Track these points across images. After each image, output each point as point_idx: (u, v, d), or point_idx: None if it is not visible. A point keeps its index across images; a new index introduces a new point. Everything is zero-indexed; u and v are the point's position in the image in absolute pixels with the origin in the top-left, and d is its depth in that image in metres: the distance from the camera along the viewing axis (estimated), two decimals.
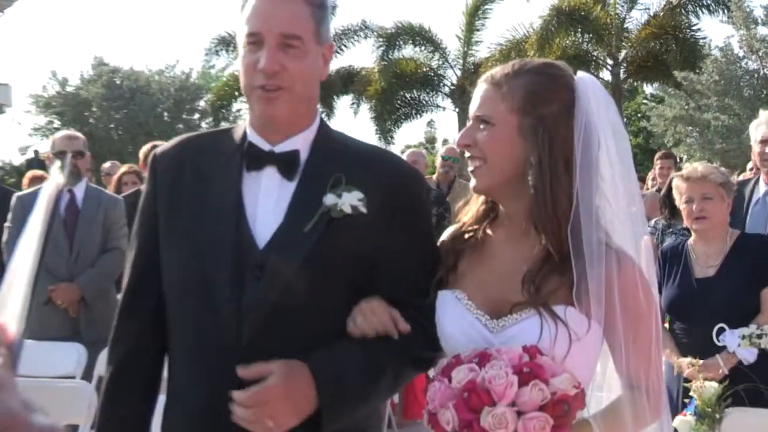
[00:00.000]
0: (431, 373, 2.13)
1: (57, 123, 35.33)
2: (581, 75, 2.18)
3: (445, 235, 2.28)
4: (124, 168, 8.42)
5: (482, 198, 2.20)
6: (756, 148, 5.08)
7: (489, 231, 2.18)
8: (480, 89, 2.15)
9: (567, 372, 1.90)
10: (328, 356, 1.98)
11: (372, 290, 2.06)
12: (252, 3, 2.06)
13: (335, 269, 2.02)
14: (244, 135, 2.16)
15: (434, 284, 2.17)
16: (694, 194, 4.15)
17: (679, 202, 4.27)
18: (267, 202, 2.08)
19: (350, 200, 2.03)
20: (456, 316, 2.09)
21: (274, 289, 1.99)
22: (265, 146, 2.12)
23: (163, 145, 2.31)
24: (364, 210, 2.04)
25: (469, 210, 2.23)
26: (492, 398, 1.84)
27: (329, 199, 2.04)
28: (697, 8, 20.68)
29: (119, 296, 2.40)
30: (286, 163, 2.10)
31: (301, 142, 2.13)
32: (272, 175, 2.10)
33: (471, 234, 2.19)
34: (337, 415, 1.97)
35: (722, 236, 4.21)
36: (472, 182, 2.14)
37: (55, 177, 0.82)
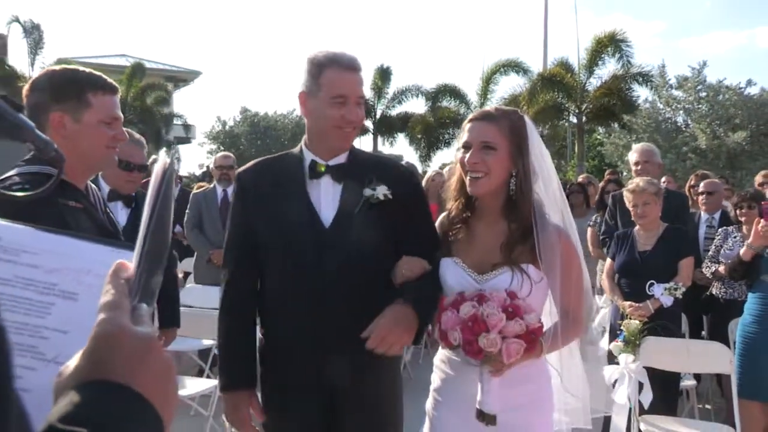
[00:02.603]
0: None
1: (221, 148, 35.89)
2: (524, 116, 2.13)
3: (441, 219, 2.24)
4: None
5: (460, 197, 2.15)
6: (633, 168, 5.16)
7: (471, 221, 2.14)
8: (478, 125, 2.08)
9: (534, 312, 1.91)
10: (415, 288, 1.98)
11: (400, 248, 2.05)
12: (334, 73, 1.99)
13: (376, 236, 2.01)
14: (302, 155, 2.11)
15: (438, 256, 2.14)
16: (638, 201, 4.16)
17: (629, 205, 4.26)
18: (326, 197, 2.06)
19: (382, 191, 2.04)
20: (455, 274, 2.08)
21: (339, 252, 1.99)
22: (322, 162, 2.08)
23: (243, 167, 2.23)
24: (390, 197, 2.03)
25: (453, 199, 2.17)
26: (487, 327, 1.84)
27: (367, 191, 2.03)
28: (632, 80, 20.36)
29: None
30: (337, 172, 2.08)
31: (343, 158, 2.10)
32: (327, 181, 2.07)
33: (459, 225, 2.15)
34: (426, 323, 1.98)
35: (656, 226, 4.22)
36: (473, 188, 2.06)
37: (163, 158, 0.74)
